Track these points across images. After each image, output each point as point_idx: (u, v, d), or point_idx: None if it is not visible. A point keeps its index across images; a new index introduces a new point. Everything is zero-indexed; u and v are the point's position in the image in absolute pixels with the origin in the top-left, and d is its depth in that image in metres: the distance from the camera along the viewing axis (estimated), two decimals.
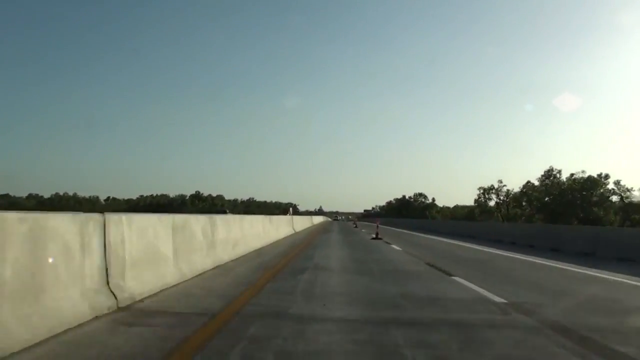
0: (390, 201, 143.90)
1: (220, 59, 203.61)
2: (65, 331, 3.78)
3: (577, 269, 10.30)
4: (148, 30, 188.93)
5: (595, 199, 48.16)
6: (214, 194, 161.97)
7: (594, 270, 10.11)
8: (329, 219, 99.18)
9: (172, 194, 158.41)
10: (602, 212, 46.41)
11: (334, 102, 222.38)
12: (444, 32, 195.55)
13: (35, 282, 3.71)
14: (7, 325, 3.34)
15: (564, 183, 50.07)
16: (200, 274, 7.38)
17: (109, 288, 4.74)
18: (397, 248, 15.53)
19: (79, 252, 4.33)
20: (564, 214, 46.27)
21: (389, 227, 40.02)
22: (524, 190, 58.30)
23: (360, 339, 3.98)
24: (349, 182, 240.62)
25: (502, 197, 59.83)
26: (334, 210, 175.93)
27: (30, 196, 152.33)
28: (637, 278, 8.84)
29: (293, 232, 24.50)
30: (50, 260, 3.91)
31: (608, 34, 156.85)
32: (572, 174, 49.89)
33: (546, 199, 50.73)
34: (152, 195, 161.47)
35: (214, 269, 8.21)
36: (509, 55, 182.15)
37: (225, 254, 9.57)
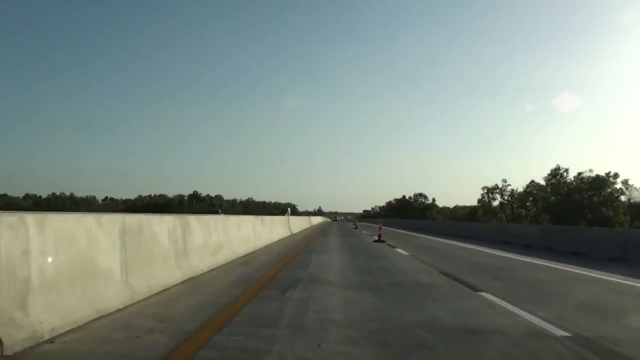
0: (390, 201, 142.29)
1: (220, 58, 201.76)
2: None
3: (627, 281, 8.67)
4: (147, 30, 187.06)
5: (602, 198, 46.54)
6: (213, 194, 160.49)
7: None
8: (328, 220, 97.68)
9: (171, 194, 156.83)
10: (611, 213, 44.89)
11: (334, 102, 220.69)
12: (444, 32, 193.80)
13: None
14: None
15: (571, 182, 48.45)
16: (161, 292, 5.77)
17: None
18: (403, 252, 13.93)
19: None
20: (571, 214, 44.67)
21: (390, 228, 38.38)
22: (528, 190, 56.77)
23: None
24: (348, 182, 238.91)
25: (506, 197, 58.23)
26: (333, 210, 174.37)
27: (27, 196, 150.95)
28: None
29: (289, 233, 22.88)
30: None
31: (608, 33, 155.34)
32: (579, 173, 48.36)
33: (552, 198, 49.11)
34: (150, 195, 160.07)
35: (182, 283, 6.59)
36: (509, 55, 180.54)
37: (202, 263, 7.96)
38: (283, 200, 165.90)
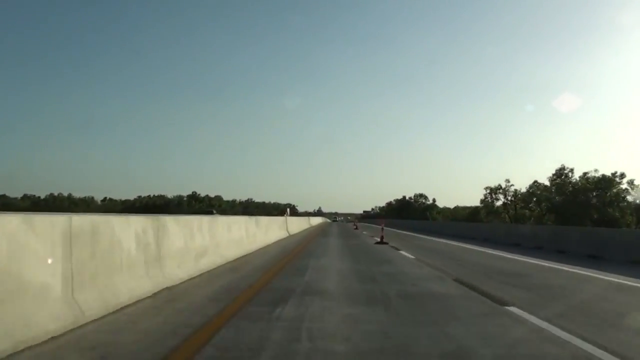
0: (390, 202, 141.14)
1: (220, 58, 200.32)
2: None
3: None
4: (147, 30, 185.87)
5: (608, 199, 45.38)
6: (213, 195, 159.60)
7: None
8: (328, 220, 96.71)
9: (170, 195, 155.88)
10: (618, 213, 43.74)
11: (334, 102, 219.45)
12: (444, 32, 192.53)
13: None
14: None
15: (577, 182, 47.23)
16: (121, 309, 4.69)
17: None
18: (408, 255, 12.85)
19: None
20: (576, 215, 43.54)
21: (391, 229, 37.28)
22: (531, 190, 55.64)
23: None
24: (348, 183, 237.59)
25: (509, 197, 57.00)
26: (333, 211, 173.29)
27: (25, 197, 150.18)
28: None
29: (287, 235, 21.79)
30: None
31: (608, 33, 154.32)
32: (585, 173, 47.11)
33: (556, 199, 47.92)
34: (149, 196, 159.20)
35: (152, 296, 5.51)
36: (509, 55, 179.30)
37: (181, 270, 6.88)
38: (283, 200, 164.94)
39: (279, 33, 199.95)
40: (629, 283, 8.32)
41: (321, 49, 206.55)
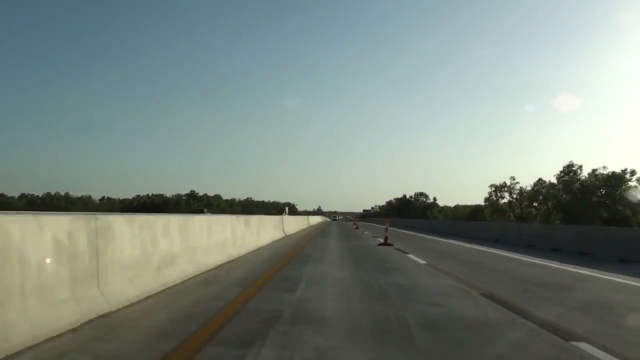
0: (391, 201, 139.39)
1: (220, 58, 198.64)
2: None
3: None
4: (147, 30, 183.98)
5: (618, 196, 43.67)
6: (213, 194, 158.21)
7: None
8: (328, 219, 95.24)
9: (170, 194, 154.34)
10: (628, 211, 42.06)
11: (334, 102, 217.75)
12: (444, 32, 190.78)
13: None
14: None
15: (586, 180, 45.48)
16: (6, 358, 3.07)
17: None
18: (418, 260, 11.23)
19: None
20: (585, 213, 41.88)
21: (392, 228, 35.39)
22: (536, 188, 53.98)
23: None
24: (348, 182, 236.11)
25: (514, 196, 55.23)
26: (333, 210, 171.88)
27: (22, 196, 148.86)
28: None
29: (283, 235, 20.16)
30: None
31: (608, 33, 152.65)
32: (593, 170, 45.37)
33: (564, 197, 46.19)
34: (147, 195, 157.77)
35: (75, 330, 3.89)
36: (509, 55, 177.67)
37: (133, 288, 5.26)
38: (282, 200, 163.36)
39: (279, 33, 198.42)
40: None
41: (321, 49, 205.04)
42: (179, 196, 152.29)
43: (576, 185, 46.47)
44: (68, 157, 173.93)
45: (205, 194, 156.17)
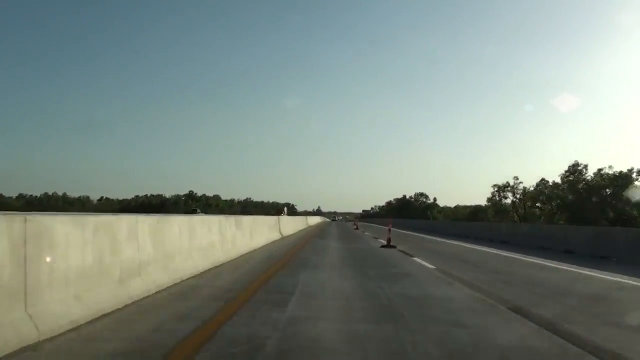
0: (391, 201, 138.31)
1: (220, 58, 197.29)
2: None
3: None
4: (147, 30, 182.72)
5: (625, 197, 42.47)
6: (213, 195, 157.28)
7: None
8: (327, 220, 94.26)
9: (169, 195, 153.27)
10: (636, 212, 40.88)
11: (334, 102, 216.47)
12: (444, 32, 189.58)
13: None
14: None
15: (592, 179, 44.26)
16: None
17: None
18: (426, 265, 10.15)
19: None
20: (591, 213, 40.70)
21: (393, 229, 34.49)
22: (539, 188, 52.84)
23: None
24: (348, 182, 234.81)
25: (518, 196, 54.01)
26: (333, 210, 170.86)
27: (20, 196, 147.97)
28: None
29: (279, 237, 19.06)
30: None
31: (608, 33, 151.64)
32: (600, 169, 44.19)
33: (570, 197, 44.99)
34: (146, 195, 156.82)
35: None
36: (509, 55, 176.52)
37: (80, 307, 4.17)
38: (282, 200, 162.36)
39: (279, 33, 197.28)
40: None
41: (321, 49, 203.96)
42: (177, 197, 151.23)
43: (582, 185, 45.31)
44: (67, 158, 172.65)
45: (204, 195, 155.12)
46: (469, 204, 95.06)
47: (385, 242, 16.50)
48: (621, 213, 41.06)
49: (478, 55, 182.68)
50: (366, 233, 28.78)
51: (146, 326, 4.16)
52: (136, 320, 4.34)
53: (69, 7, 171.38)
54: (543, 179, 52.49)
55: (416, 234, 28.91)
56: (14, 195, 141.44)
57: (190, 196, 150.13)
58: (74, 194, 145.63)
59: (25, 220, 3.71)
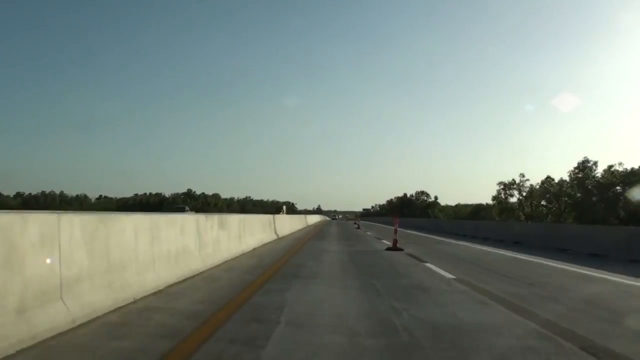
0: (391, 200, 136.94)
1: (220, 58, 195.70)
2: None
3: None
4: (146, 30, 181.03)
5: (632, 195, 40.84)
6: (213, 193, 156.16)
7: None
8: (327, 218, 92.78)
9: (168, 193, 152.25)
10: None
11: (334, 101, 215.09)
12: (444, 32, 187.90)
13: None
14: None
15: (602, 176, 42.61)
16: None
17: None
18: (442, 273, 8.52)
19: None
20: (601, 212, 39.10)
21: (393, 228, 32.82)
22: (545, 185, 51.21)
23: None
24: (348, 181, 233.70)
25: (524, 194, 52.25)
26: (333, 209, 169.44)
27: (17, 194, 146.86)
28: None
29: (274, 238, 17.42)
30: None
31: (608, 33, 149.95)
32: (610, 166, 42.47)
33: (578, 195, 43.36)
34: (145, 193, 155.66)
35: None
36: (509, 55, 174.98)
37: None
38: (282, 199, 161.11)
39: (279, 33, 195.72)
40: None
41: (321, 49, 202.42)
42: (176, 195, 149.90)
43: (591, 182, 43.62)
44: (67, 156, 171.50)
45: (203, 193, 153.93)
46: (469, 202, 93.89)
47: (389, 244, 14.88)
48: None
49: (478, 55, 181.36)
50: (368, 233, 27.17)
51: None
52: None
53: (69, 7, 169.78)
54: (548, 177, 50.92)
55: (420, 234, 27.30)
56: (12, 193, 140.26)
57: (189, 194, 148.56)
58: (74, 192, 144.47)
59: None
